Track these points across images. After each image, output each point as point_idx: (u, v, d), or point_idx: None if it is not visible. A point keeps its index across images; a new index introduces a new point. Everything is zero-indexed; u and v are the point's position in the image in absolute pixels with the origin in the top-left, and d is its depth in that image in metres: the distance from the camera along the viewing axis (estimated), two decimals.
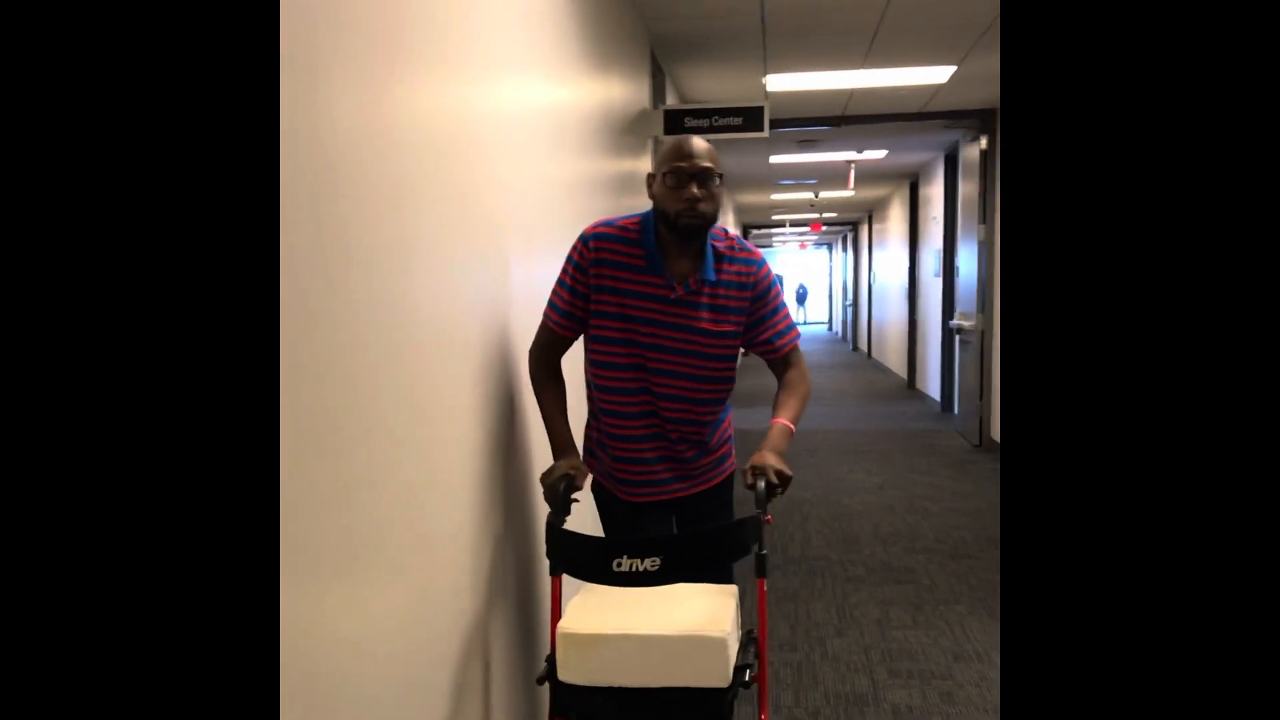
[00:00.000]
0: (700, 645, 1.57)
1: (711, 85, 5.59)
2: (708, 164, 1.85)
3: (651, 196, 1.92)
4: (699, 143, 1.87)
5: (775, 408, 1.96)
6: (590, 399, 2.04)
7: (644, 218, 1.94)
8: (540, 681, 1.66)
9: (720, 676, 1.56)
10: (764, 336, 1.97)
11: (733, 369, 1.99)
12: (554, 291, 1.95)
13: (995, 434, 6.48)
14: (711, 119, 4.33)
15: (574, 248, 1.93)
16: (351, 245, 1.17)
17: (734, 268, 1.94)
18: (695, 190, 1.83)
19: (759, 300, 1.96)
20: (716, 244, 1.93)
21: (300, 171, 1.04)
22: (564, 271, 1.94)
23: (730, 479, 2.13)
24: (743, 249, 1.97)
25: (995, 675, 2.93)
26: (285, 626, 0.98)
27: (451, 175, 1.59)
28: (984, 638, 3.22)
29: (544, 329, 1.95)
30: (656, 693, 1.57)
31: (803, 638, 3.26)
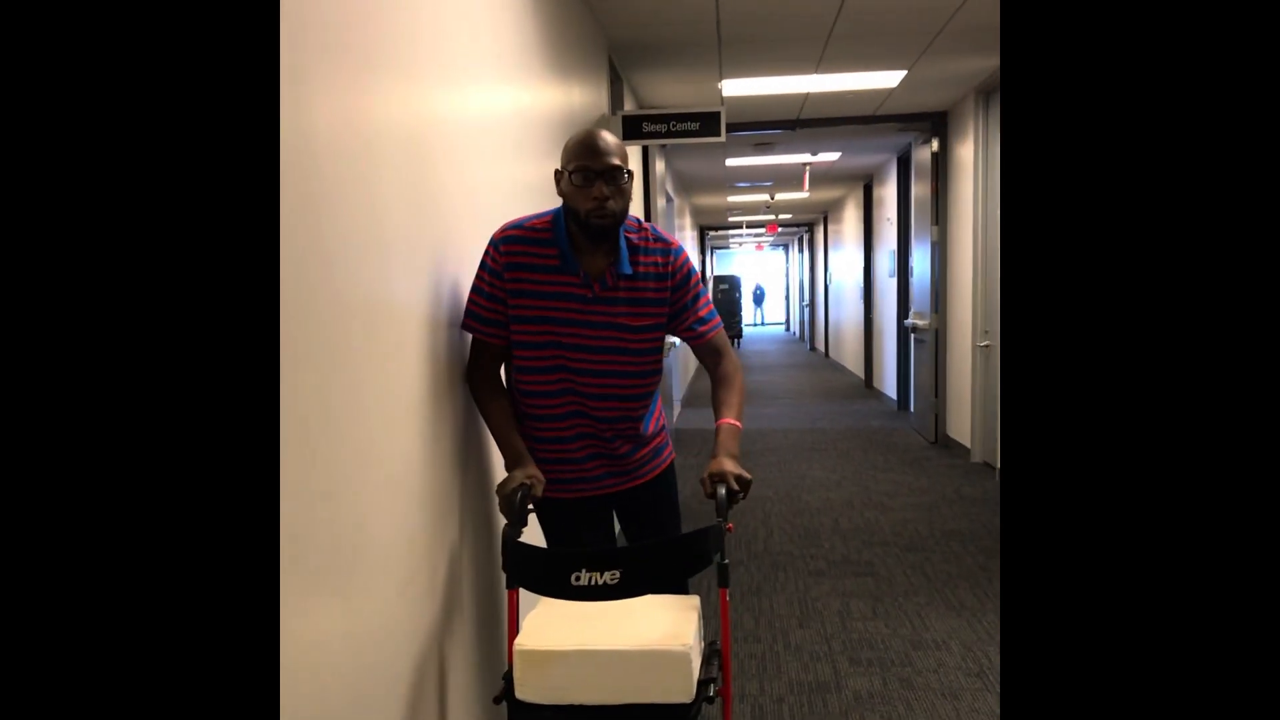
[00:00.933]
0: (662, 660, 1.55)
1: (668, 90, 5.59)
2: (616, 161, 1.80)
3: (560, 194, 1.87)
4: (606, 139, 1.82)
5: (717, 407, 1.92)
6: (514, 404, 1.98)
7: (554, 215, 1.88)
8: (498, 700, 1.63)
9: (683, 692, 1.55)
10: (688, 323, 1.96)
11: (659, 360, 1.97)
12: (471, 300, 1.87)
13: (950, 431, 6.58)
14: (670, 124, 4.33)
15: (486, 252, 1.87)
16: (334, 249, 1.18)
17: (650, 258, 1.90)
18: (604, 189, 1.79)
19: (680, 289, 1.93)
20: (630, 235, 1.89)
21: (287, 177, 1.05)
22: (479, 278, 1.87)
23: (671, 469, 2.11)
24: (657, 239, 1.92)
25: (953, 662, 2.98)
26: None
27: (423, 180, 1.58)
28: (941, 627, 3.27)
29: (473, 344, 1.89)
30: (618, 710, 1.55)
31: (766, 629, 3.29)
